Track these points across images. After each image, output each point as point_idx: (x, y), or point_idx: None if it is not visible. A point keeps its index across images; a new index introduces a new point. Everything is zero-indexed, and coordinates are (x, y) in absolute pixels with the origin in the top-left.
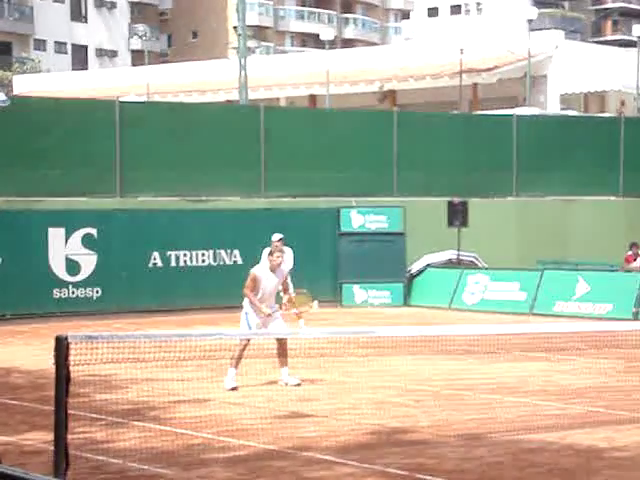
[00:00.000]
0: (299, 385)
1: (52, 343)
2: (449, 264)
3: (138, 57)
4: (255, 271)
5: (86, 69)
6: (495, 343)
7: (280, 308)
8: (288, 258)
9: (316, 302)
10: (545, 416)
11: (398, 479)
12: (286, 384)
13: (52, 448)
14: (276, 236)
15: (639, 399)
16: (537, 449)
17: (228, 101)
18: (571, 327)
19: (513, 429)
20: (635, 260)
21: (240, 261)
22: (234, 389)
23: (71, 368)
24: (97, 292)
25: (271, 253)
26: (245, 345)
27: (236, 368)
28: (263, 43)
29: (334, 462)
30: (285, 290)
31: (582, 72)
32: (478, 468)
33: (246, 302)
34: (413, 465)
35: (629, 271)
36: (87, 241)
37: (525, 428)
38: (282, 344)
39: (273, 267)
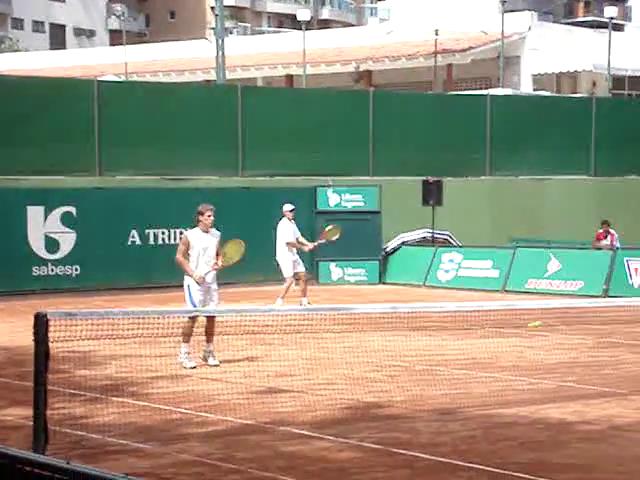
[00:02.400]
0: (217, 366)
1: (31, 320)
2: (424, 242)
3: (116, 37)
4: (187, 234)
5: (64, 48)
6: (468, 320)
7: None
8: (290, 230)
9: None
10: (517, 391)
11: (373, 453)
12: (204, 359)
13: (31, 423)
14: (287, 206)
15: (608, 374)
16: (509, 423)
17: (206, 81)
18: (543, 304)
19: (486, 404)
20: (605, 238)
21: None
22: (194, 368)
23: (50, 344)
24: (76, 270)
25: (201, 213)
26: (193, 322)
27: (188, 342)
28: (240, 24)
29: (310, 436)
30: (218, 255)
31: (555, 53)
32: (452, 442)
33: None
34: (388, 439)
35: (600, 249)
36: (66, 219)
37: (497, 403)
38: (211, 323)
39: (205, 227)
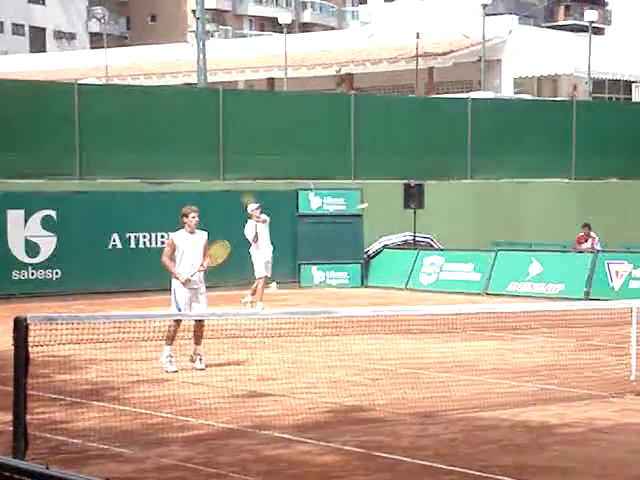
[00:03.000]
0: (203, 370)
1: (11, 324)
2: (405, 245)
3: (97, 40)
4: (173, 236)
5: (44, 51)
6: (450, 323)
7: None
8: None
9: (275, 283)
10: (498, 394)
11: (355, 456)
12: (191, 359)
13: (11, 428)
14: (252, 206)
15: (590, 377)
16: (490, 426)
17: (187, 84)
18: (524, 307)
19: (467, 407)
20: (586, 241)
21: None
22: (175, 372)
23: (30, 349)
24: (57, 274)
25: (185, 215)
26: (177, 325)
27: (171, 345)
28: (222, 27)
29: (292, 440)
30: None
31: (535, 56)
32: (433, 445)
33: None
34: (370, 443)
35: (580, 252)
36: (46, 223)
37: (479, 406)
38: (200, 326)
39: (191, 229)
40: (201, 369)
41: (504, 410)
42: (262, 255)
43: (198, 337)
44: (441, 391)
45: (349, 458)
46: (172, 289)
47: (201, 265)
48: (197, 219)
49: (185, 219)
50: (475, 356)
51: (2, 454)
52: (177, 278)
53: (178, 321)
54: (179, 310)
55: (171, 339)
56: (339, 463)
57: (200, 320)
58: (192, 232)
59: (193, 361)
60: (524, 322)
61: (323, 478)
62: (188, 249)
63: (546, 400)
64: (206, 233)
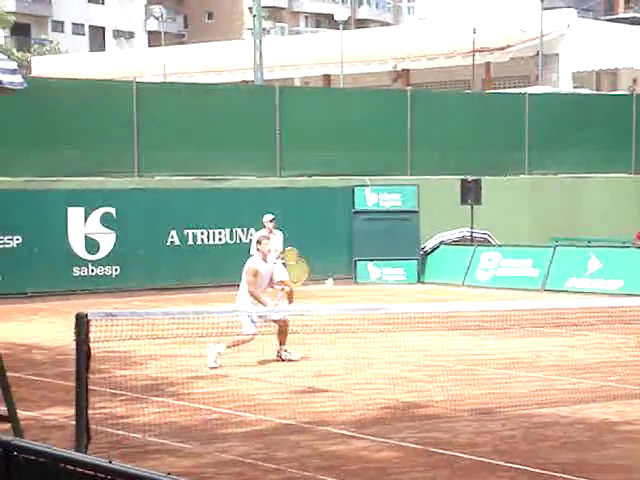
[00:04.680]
0: (297, 360)
1: (72, 320)
2: (462, 241)
3: (155, 38)
4: (256, 266)
5: (103, 50)
6: (508, 319)
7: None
8: (277, 240)
9: (331, 279)
10: (558, 390)
11: (413, 453)
12: (280, 358)
13: (73, 423)
14: (267, 217)
15: None
16: (549, 423)
17: (244, 81)
18: (583, 303)
19: (526, 404)
20: None
21: None
22: (214, 368)
23: (91, 345)
24: (116, 270)
25: (259, 242)
26: (251, 339)
27: (228, 349)
28: (278, 24)
29: (350, 436)
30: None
31: (594, 50)
32: (491, 442)
33: (245, 301)
34: (428, 439)
35: None
36: (106, 220)
37: (538, 403)
38: (282, 327)
39: (264, 256)
40: (296, 360)
41: (563, 407)
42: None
43: (282, 337)
44: (499, 388)
45: (407, 454)
46: (246, 315)
47: (287, 292)
48: (269, 246)
49: (258, 246)
50: (534, 352)
51: (65, 448)
52: (265, 305)
53: (253, 335)
54: (254, 325)
55: (235, 346)
56: (397, 459)
57: (282, 322)
58: (265, 260)
59: (283, 359)
60: (583, 318)
61: (381, 474)
62: (264, 276)
63: (606, 397)
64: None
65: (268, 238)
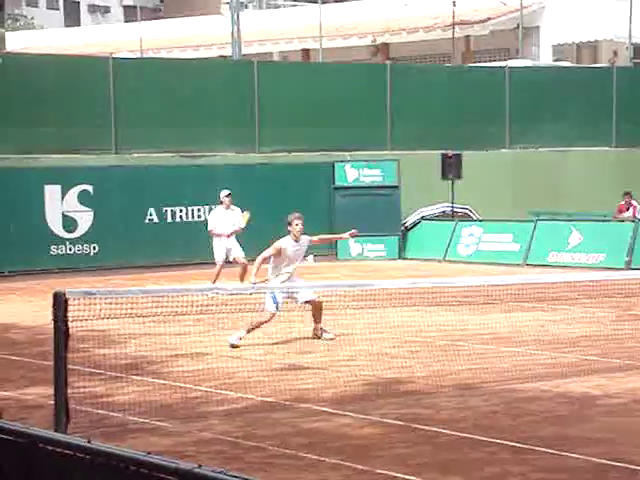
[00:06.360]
0: (333, 339)
1: (50, 299)
2: (443, 217)
3: (131, 13)
4: (281, 244)
5: (79, 25)
6: (489, 294)
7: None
8: (236, 216)
9: (312, 256)
10: (539, 365)
11: (394, 429)
12: (316, 336)
13: (52, 402)
14: (224, 192)
15: (631, 347)
16: (531, 398)
17: (222, 56)
18: (564, 277)
19: (507, 378)
20: (627, 210)
21: None
22: (233, 346)
23: (70, 323)
24: (94, 248)
25: (289, 223)
26: (270, 319)
27: (248, 333)
28: None
29: (331, 413)
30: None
31: (574, 22)
32: (473, 417)
33: (270, 278)
34: (409, 415)
35: (622, 221)
36: (83, 198)
37: (519, 377)
38: (316, 307)
39: (296, 237)
40: (331, 338)
41: (545, 381)
42: (220, 241)
43: (317, 316)
44: (481, 363)
45: (389, 430)
46: (269, 292)
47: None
48: (301, 226)
49: (289, 227)
50: (515, 327)
51: (44, 428)
52: (267, 280)
53: (273, 315)
54: (276, 305)
55: (254, 329)
56: (379, 436)
57: (315, 302)
58: (297, 240)
59: (320, 337)
60: (564, 293)
61: (363, 451)
62: (291, 257)
63: (587, 371)
64: (309, 238)
65: (300, 218)
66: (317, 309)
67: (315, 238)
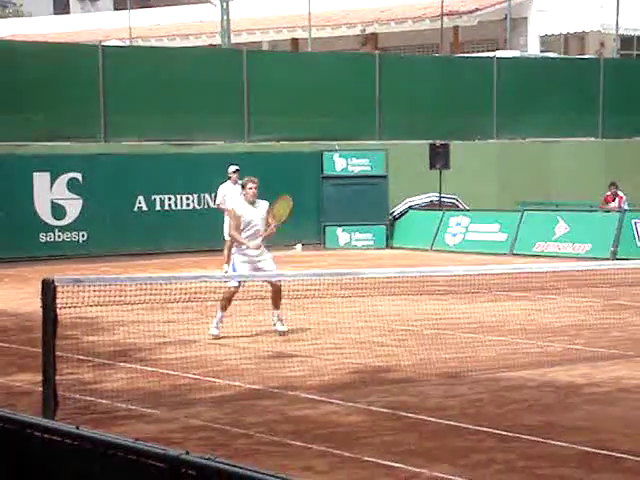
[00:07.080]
0: (283, 335)
1: (39, 286)
2: (431, 206)
3: (120, 1)
4: (235, 206)
5: (68, 13)
6: (476, 283)
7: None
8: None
9: (299, 245)
10: (525, 354)
11: (381, 417)
12: (274, 325)
13: (41, 389)
14: (232, 168)
15: (616, 336)
16: (517, 386)
17: (211, 45)
18: (550, 267)
19: (493, 367)
20: (613, 200)
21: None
22: (216, 338)
23: (58, 311)
24: (83, 236)
25: (243, 186)
26: (236, 289)
27: (224, 311)
28: None
29: (318, 400)
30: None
31: (562, 13)
32: (459, 405)
33: (234, 252)
34: (396, 403)
35: (608, 211)
36: (72, 185)
37: (505, 366)
38: (275, 290)
39: (249, 198)
40: (283, 332)
41: (530, 370)
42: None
43: (276, 301)
44: (467, 352)
45: (375, 418)
46: (232, 263)
47: (270, 229)
48: (254, 190)
49: (242, 190)
50: (501, 316)
51: (33, 414)
52: (248, 247)
53: (237, 286)
54: (238, 282)
55: (226, 303)
56: (365, 423)
57: (275, 285)
58: (252, 202)
59: (274, 325)
60: (550, 282)
61: (350, 438)
62: (253, 220)
63: (573, 360)
64: (267, 203)
65: (254, 182)
66: (276, 292)
67: (271, 215)
